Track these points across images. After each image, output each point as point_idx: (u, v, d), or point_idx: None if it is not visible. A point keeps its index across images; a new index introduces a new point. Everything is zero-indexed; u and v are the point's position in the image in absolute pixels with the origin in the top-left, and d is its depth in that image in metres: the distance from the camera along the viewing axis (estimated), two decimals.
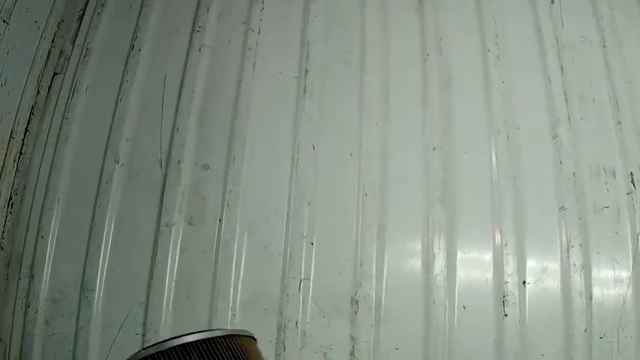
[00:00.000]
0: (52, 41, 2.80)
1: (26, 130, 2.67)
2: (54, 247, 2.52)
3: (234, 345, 1.30)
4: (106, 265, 2.46)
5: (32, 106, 2.70)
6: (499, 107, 2.58)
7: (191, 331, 1.28)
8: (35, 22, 2.72)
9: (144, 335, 2.34)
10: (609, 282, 2.36)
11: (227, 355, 1.26)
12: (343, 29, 2.74)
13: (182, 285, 2.40)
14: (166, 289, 2.39)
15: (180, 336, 1.24)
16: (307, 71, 2.64)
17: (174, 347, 1.22)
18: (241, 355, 1.29)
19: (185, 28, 2.76)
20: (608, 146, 2.54)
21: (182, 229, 2.49)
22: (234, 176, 2.51)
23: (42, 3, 2.74)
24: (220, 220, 2.47)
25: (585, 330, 2.28)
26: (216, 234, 2.46)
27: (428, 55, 2.66)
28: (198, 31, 2.73)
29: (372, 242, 2.42)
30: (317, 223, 2.45)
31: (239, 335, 1.35)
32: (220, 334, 1.29)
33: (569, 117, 2.56)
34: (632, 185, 2.46)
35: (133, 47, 2.76)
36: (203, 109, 2.62)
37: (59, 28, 2.81)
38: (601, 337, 2.29)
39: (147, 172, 2.57)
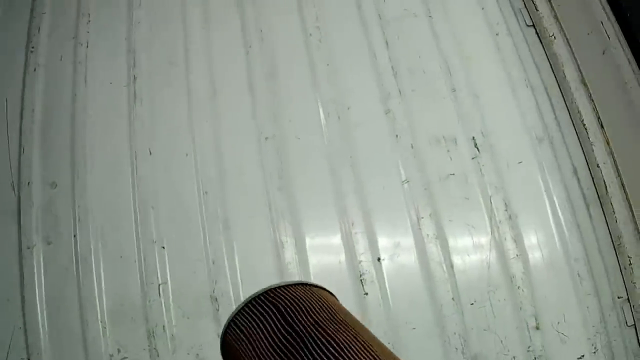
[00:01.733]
0: None
1: None
2: None
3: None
4: None
5: None
6: (326, 89, 2.27)
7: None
8: None
9: (29, 359, 2.08)
10: (468, 248, 2.09)
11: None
12: (166, 32, 2.39)
13: (53, 304, 2.13)
14: (39, 310, 2.13)
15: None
16: (135, 78, 2.30)
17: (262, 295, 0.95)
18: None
19: (20, 50, 2.41)
20: (445, 114, 2.23)
21: (43, 249, 2.20)
22: (80, 190, 2.22)
23: None
24: (74, 235, 2.19)
25: (452, 299, 2.03)
26: (73, 250, 2.18)
27: (250, 46, 2.32)
28: (32, 52, 2.38)
29: (219, 239, 2.14)
30: (163, 227, 2.17)
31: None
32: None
33: (399, 91, 2.24)
34: (476, 149, 2.16)
35: None
36: (44, 128, 2.30)
37: None
38: (472, 304, 2.03)
39: (3, 197, 2.26)
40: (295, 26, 2.34)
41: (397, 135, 2.16)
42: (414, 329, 2.01)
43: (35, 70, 2.35)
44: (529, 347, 2.01)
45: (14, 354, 2.09)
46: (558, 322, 2.03)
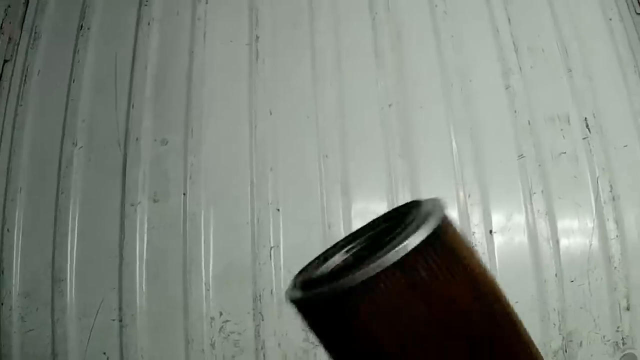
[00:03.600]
0: (0, 28, 2.04)
1: None
2: (20, 239, 1.90)
3: None
4: (75, 252, 1.87)
5: None
6: (451, 60, 2.04)
7: None
8: None
9: (120, 321, 1.80)
10: (573, 226, 1.89)
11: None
12: None
13: (153, 264, 1.85)
14: (137, 270, 1.84)
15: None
16: (257, 37, 2.02)
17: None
18: None
19: (133, 3, 2.11)
20: (560, 93, 2.02)
21: (148, 207, 1.91)
22: (193, 149, 1.94)
23: None
24: (184, 194, 1.91)
25: (555, 275, 1.82)
26: (182, 209, 1.89)
27: (377, 13, 2.07)
28: (146, 5, 2.08)
29: (337, 204, 1.88)
30: (281, 189, 1.90)
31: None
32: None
33: (520, 67, 2.03)
34: (587, 130, 1.97)
35: (82, 26, 2.09)
36: (157, 84, 2.00)
37: (6, 14, 2.09)
38: (572, 281, 1.83)
39: (106, 153, 1.97)
40: None
41: (515, 111, 1.96)
42: (517, 302, 1.74)
43: (149, 24, 2.06)
44: (618, 327, 1.83)
45: (104, 314, 1.81)
46: None
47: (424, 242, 0.48)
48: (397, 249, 0.46)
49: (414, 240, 0.47)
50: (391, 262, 0.46)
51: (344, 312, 0.47)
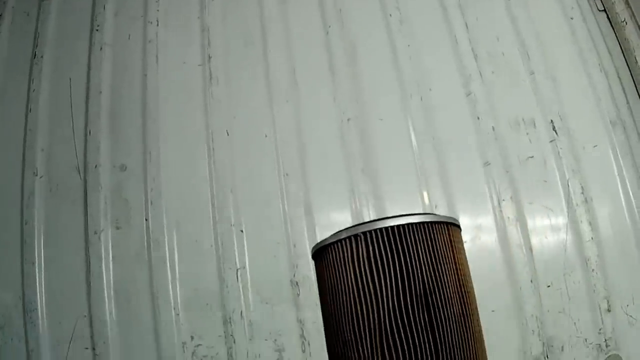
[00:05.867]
0: None
1: None
2: None
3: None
4: (43, 282, 1.81)
5: None
6: (408, 71, 1.97)
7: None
8: None
9: (94, 349, 1.74)
10: (546, 230, 1.83)
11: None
12: (241, 10, 2.06)
13: (121, 291, 1.80)
14: (106, 298, 1.78)
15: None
16: (210, 57, 1.95)
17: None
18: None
19: (84, 29, 2.04)
20: (524, 97, 1.96)
21: (111, 234, 1.85)
22: (152, 173, 1.88)
23: None
24: (146, 219, 1.85)
25: (531, 281, 1.77)
26: (145, 235, 1.84)
27: (330, 27, 2.00)
28: (97, 30, 2.00)
29: (301, 222, 1.83)
30: (242, 210, 1.84)
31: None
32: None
33: (480, 73, 1.96)
34: (554, 132, 1.90)
35: (35, 54, 2.02)
36: (112, 109, 1.94)
37: None
38: (549, 286, 1.78)
39: (66, 181, 1.92)
40: (375, 6, 2.03)
41: (478, 118, 1.89)
42: (493, 311, 1.74)
43: (101, 49, 1.98)
44: (600, 329, 1.78)
45: (77, 342, 1.76)
46: (627, 305, 1.81)
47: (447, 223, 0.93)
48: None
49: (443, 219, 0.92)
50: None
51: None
